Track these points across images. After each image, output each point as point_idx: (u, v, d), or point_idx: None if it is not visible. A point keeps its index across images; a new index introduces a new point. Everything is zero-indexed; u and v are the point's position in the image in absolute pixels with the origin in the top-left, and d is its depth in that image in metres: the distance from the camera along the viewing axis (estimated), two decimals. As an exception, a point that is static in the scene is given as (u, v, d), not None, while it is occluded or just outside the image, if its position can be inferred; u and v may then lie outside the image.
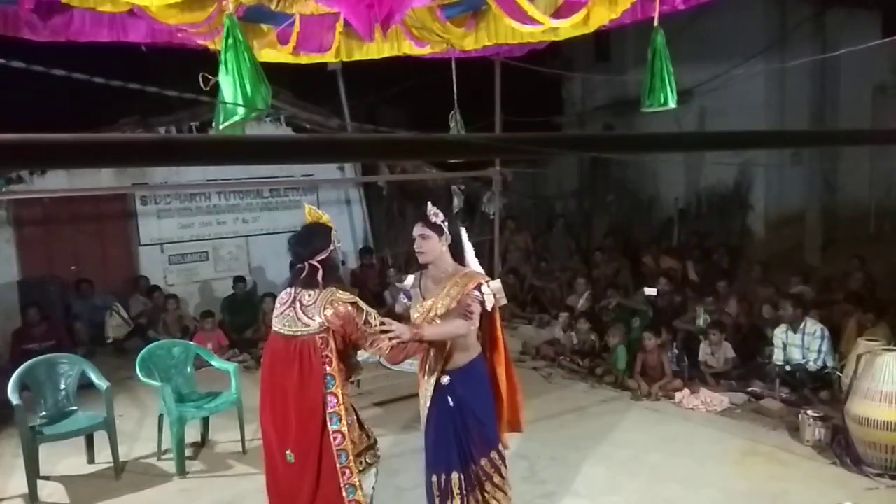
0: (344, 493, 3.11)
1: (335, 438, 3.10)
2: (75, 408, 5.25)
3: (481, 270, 3.57)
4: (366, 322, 3.11)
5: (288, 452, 3.12)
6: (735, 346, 6.58)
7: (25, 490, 4.72)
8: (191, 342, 6.34)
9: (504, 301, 3.53)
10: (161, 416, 5.26)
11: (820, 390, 5.86)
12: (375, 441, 3.43)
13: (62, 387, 5.23)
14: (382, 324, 3.10)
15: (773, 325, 6.52)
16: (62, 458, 5.26)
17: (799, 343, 6.08)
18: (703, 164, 11.17)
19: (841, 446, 4.87)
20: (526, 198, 13.27)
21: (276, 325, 3.23)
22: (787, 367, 6.06)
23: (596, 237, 12.20)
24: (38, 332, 7.44)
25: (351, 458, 3.13)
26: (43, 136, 0.93)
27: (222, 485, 4.90)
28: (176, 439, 5.05)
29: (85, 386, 5.33)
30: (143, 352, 5.49)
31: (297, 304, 3.16)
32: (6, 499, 4.74)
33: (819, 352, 6.00)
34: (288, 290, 3.27)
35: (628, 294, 8.45)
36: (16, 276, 8.62)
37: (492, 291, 3.38)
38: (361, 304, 3.17)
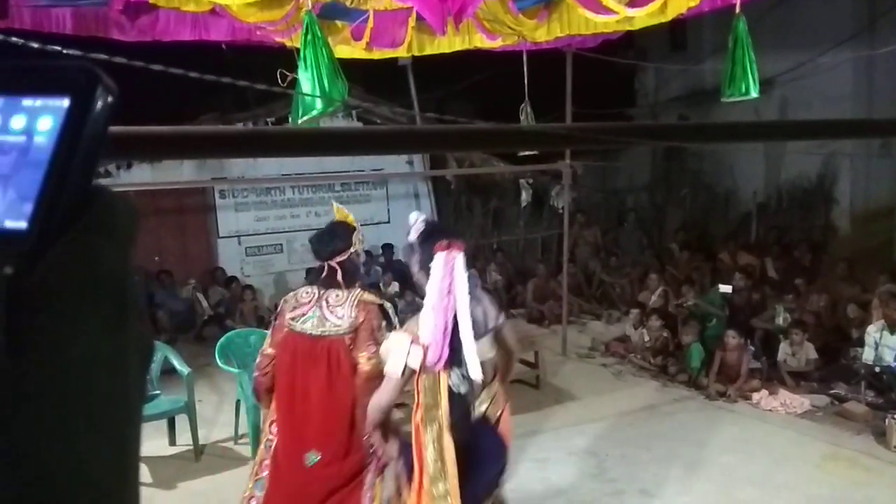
0: (364, 494, 3.06)
1: (367, 445, 3.03)
2: (158, 392, 5.49)
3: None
4: (379, 328, 3.05)
5: (309, 454, 3.04)
6: (817, 347, 6.31)
7: (113, 469, 4.98)
8: (267, 331, 6.52)
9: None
10: (238, 402, 5.44)
11: (909, 394, 5.57)
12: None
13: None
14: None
15: (858, 325, 6.21)
16: (145, 440, 5.33)
17: (894, 345, 5.77)
18: (784, 156, 10.73)
19: (932, 454, 4.62)
20: (596, 192, 13.06)
21: (299, 325, 3.12)
22: (877, 369, 5.77)
23: (669, 232, 11.90)
24: (124, 320, 7.81)
25: (376, 467, 3.07)
26: (143, 128, 0.98)
27: (295, 470, 5.04)
28: (252, 424, 5.21)
29: (167, 371, 5.57)
30: (221, 340, 5.69)
31: (324, 304, 3.11)
32: (96, 476, 5.01)
33: (913, 357, 5.69)
34: (308, 289, 3.20)
35: (704, 291, 8.22)
36: (103, 266, 9.07)
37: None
38: (387, 309, 3.16)
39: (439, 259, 2.61)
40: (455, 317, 2.58)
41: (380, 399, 2.68)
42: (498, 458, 2.94)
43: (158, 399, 5.42)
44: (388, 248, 10.16)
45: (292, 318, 3.15)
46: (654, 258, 10.20)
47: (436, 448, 2.67)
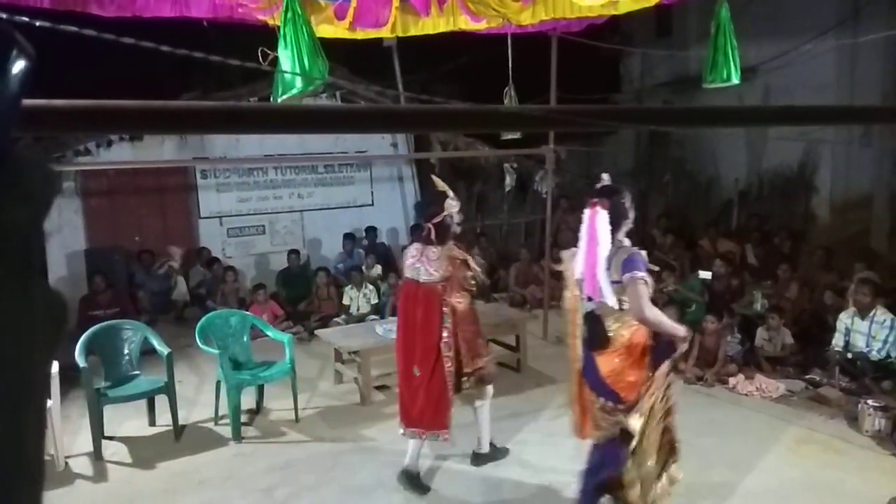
0: (447, 402, 4.12)
1: (446, 361, 4.06)
2: (138, 372, 5.47)
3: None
4: (466, 278, 4.00)
5: (415, 368, 4.12)
6: (794, 333, 6.40)
7: (91, 448, 4.97)
8: (248, 312, 6.52)
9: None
10: (218, 383, 5.44)
11: (881, 380, 5.66)
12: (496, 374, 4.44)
13: (126, 352, 5.46)
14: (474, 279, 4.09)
15: (834, 312, 6.30)
16: (125, 420, 5.50)
17: (864, 331, 5.86)
18: (766, 143, 10.80)
19: (902, 438, 4.71)
20: (580, 177, 13.09)
21: (409, 274, 4.15)
22: (849, 355, 5.87)
23: (651, 218, 11.97)
24: (104, 300, 7.75)
25: (453, 377, 4.09)
26: (114, 102, 0.97)
27: (275, 451, 5.06)
28: (232, 405, 5.22)
29: (147, 352, 5.55)
30: (202, 320, 5.67)
31: (426, 258, 4.08)
32: (73, 456, 4.99)
33: (885, 342, 5.77)
34: (416, 245, 4.21)
35: (684, 277, 8.29)
36: (83, 246, 8.98)
37: None
38: (470, 262, 4.09)
39: (585, 213, 3.35)
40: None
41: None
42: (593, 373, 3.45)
43: (138, 379, 5.41)
44: (371, 230, 10.13)
45: (407, 268, 4.19)
46: (637, 244, 10.24)
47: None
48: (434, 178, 4.28)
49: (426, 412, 4.17)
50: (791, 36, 9.25)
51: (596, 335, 3.35)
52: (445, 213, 4.07)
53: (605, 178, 3.54)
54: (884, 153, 10.15)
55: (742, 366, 6.23)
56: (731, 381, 6.01)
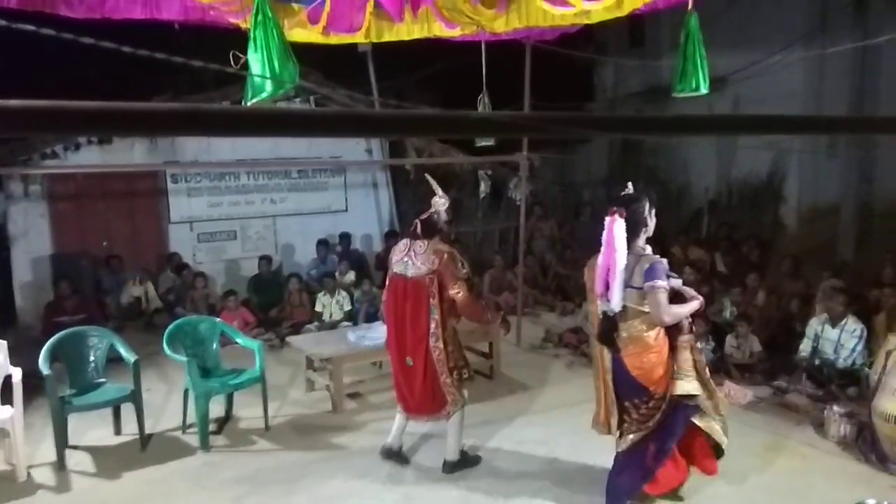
0: (442, 387, 4.33)
1: (434, 351, 4.27)
2: (104, 380, 5.36)
3: None
4: (456, 268, 4.21)
5: (408, 359, 4.35)
6: (762, 340, 6.49)
7: (54, 458, 4.85)
8: (217, 319, 6.43)
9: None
10: (186, 391, 5.35)
11: (847, 386, 5.76)
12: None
13: (91, 359, 5.35)
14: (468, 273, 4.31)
15: (802, 320, 6.39)
16: (90, 429, 5.38)
17: (834, 339, 5.95)
18: (735, 153, 10.97)
19: (867, 443, 4.78)
20: (553, 185, 13.18)
21: (398, 269, 4.35)
22: (816, 361, 5.96)
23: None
24: (70, 306, 7.60)
25: (445, 366, 4.31)
26: (72, 102, 0.94)
27: (244, 460, 4.98)
28: (200, 414, 5.13)
29: (114, 359, 5.44)
30: (170, 327, 5.58)
31: (413, 253, 4.29)
32: (36, 466, 4.87)
33: (853, 350, 5.86)
34: (404, 240, 4.44)
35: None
36: (49, 251, 8.80)
37: None
38: (456, 254, 4.26)
39: (605, 220, 3.66)
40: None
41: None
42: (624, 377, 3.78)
43: (104, 387, 5.30)
44: (345, 237, 10.08)
45: (394, 264, 4.39)
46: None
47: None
48: (427, 175, 4.51)
49: (424, 402, 4.42)
50: (760, 47, 9.42)
51: (607, 335, 3.70)
52: (433, 209, 4.32)
53: (629, 188, 3.83)
54: (850, 163, 10.37)
55: (712, 373, 6.28)
56: (701, 387, 6.06)
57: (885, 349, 5.01)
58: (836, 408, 5.13)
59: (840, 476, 4.53)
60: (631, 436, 3.87)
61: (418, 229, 4.33)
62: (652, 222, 3.73)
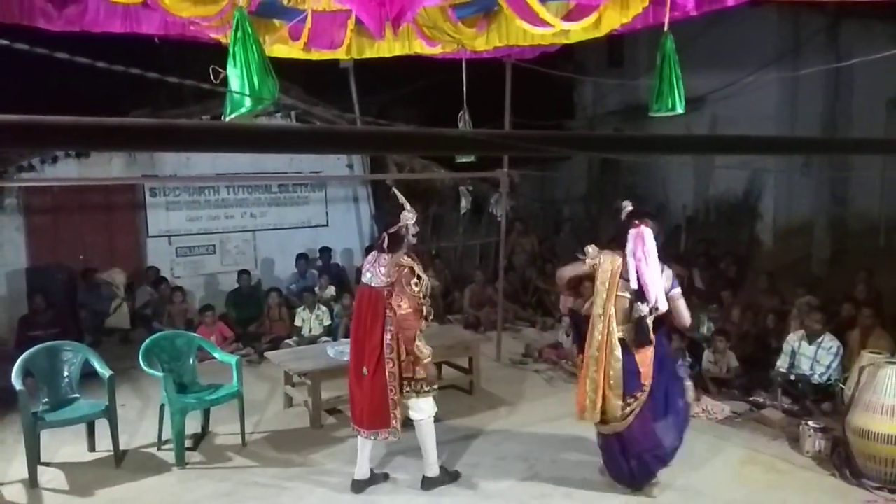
0: (388, 405, 4.32)
1: (388, 363, 4.29)
2: (77, 395, 5.29)
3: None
4: (409, 284, 4.21)
5: (364, 368, 4.35)
6: (739, 356, 6.55)
7: (26, 475, 4.76)
8: (195, 334, 6.37)
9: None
10: (162, 407, 5.29)
11: (822, 401, 5.83)
12: (434, 381, 4.53)
13: (65, 374, 5.27)
14: (425, 294, 4.30)
15: (777, 335, 6.46)
16: (63, 445, 5.30)
17: (810, 355, 6.02)
18: (713, 171, 11.12)
19: (841, 458, 4.84)
20: (534, 201, 13.26)
21: (365, 279, 4.44)
22: (791, 377, 6.03)
23: (603, 242, 12.14)
24: (44, 320, 7.49)
25: (397, 380, 4.32)
26: (45, 117, 0.95)
27: (221, 476, 4.93)
28: (176, 430, 5.07)
29: (88, 374, 5.36)
30: (146, 342, 5.52)
31: (378, 265, 4.35)
32: (6, 483, 4.78)
33: (829, 367, 5.94)
34: (373, 252, 4.52)
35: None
36: (24, 264, 8.68)
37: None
38: (417, 270, 4.28)
39: (631, 233, 4.09)
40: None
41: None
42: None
43: (78, 402, 5.23)
44: (325, 251, 10.05)
45: (363, 274, 4.49)
46: (589, 267, 10.39)
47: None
48: (394, 190, 4.53)
49: (366, 411, 4.40)
50: (735, 68, 9.60)
51: (643, 334, 4.16)
52: (401, 223, 4.34)
53: (628, 205, 4.32)
54: (822, 182, 10.58)
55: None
56: (679, 403, 6.11)
57: (859, 365, 5.10)
58: (811, 423, 5.19)
59: (815, 490, 4.58)
60: (630, 414, 4.27)
61: (385, 243, 4.37)
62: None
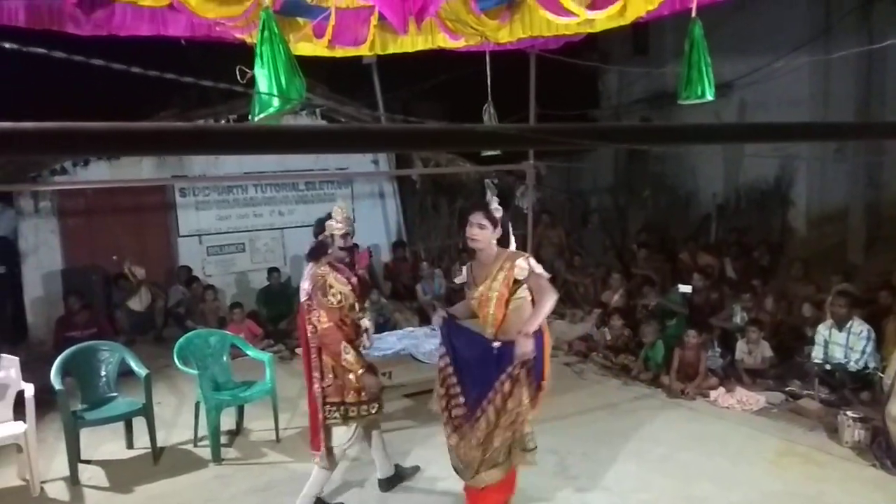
0: (317, 425, 4.05)
1: (314, 382, 4.01)
2: (115, 394, 5.38)
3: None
4: (326, 296, 3.92)
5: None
6: (773, 345, 6.46)
7: (67, 473, 4.87)
8: (227, 332, 6.45)
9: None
10: (198, 404, 5.36)
11: (860, 391, 5.72)
12: (370, 405, 4.10)
13: (103, 373, 5.37)
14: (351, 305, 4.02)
15: (812, 324, 6.36)
16: (102, 443, 5.40)
17: (842, 342, 5.92)
18: (743, 158, 10.94)
19: (881, 448, 4.75)
20: (560, 192, 13.17)
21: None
22: (827, 366, 5.92)
23: (631, 233, 12.05)
24: (80, 320, 7.64)
25: (321, 403, 4.01)
26: (83, 124, 0.96)
27: (256, 472, 4.99)
28: (212, 427, 5.15)
29: (125, 373, 5.46)
30: (180, 340, 5.60)
31: (304, 277, 4.08)
32: (49, 480, 4.89)
33: (863, 353, 5.83)
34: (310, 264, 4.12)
35: (665, 291, 8.35)
36: (60, 266, 8.86)
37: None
38: (329, 280, 3.95)
39: (510, 227, 3.73)
40: None
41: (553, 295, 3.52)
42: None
43: (116, 401, 5.32)
44: (353, 247, 10.07)
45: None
46: (616, 258, 10.33)
47: None
48: (339, 204, 4.20)
49: (311, 433, 4.16)
50: (765, 52, 9.42)
51: None
52: (326, 232, 4.04)
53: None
54: (858, 167, 10.33)
55: (723, 379, 6.27)
56: (713, 394, 6.04)
57: (898, 353, 4.99)
58: (849, 413, 5.10)
59: (854, 481, 4.50)
60: None
61: (307, 251, 4.11)
62: None
